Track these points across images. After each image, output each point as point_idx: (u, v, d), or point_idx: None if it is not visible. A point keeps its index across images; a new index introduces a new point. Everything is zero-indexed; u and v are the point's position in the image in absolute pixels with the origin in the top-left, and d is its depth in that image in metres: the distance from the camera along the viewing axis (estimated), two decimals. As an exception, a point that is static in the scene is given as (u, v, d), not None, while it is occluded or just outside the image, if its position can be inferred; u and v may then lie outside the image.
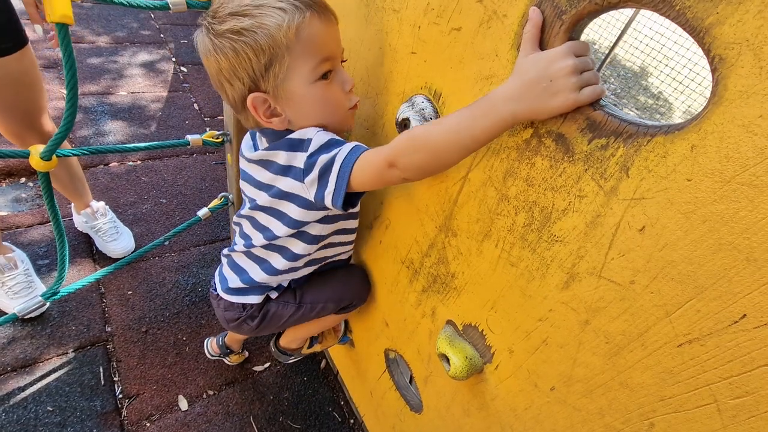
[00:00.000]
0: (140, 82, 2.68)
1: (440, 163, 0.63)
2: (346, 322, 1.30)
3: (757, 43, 0.36)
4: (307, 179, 0.71)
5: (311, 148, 0.70)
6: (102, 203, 1.73)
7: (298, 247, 0.86)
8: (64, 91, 0.88)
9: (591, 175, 0.52)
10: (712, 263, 0.43)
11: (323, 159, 0.69)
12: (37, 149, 0.96)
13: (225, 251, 0.98)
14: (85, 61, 2.70)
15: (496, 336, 0.72)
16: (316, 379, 1.60)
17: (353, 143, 0.70)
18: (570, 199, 0.55)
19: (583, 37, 0.53)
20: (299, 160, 0.72)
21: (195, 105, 2.67)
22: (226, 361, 1.54)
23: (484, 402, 0.79)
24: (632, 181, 0.48)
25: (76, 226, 1.79)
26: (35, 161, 0.97)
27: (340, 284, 1.03)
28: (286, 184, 0.76)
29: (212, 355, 1.52)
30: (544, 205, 0.58)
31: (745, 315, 0.41)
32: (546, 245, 0.59)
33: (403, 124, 0.75)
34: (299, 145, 0.73)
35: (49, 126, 1.36)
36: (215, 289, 0.99)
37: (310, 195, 0.73)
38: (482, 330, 0.75)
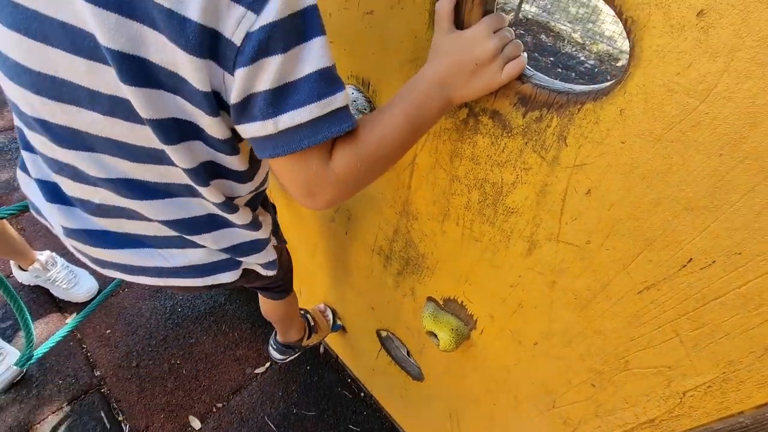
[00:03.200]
0: None
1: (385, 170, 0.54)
2: (334, 312, 1.32)
3: (665, 2, 0.35)
4: None
5: None
6: (48, 252, 1.58)
7: None
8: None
9: (532, 147, 0.52)
10: (656, 216, 0.45)
11: None
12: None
13: None
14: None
15: (475, 305, 0.75)
16: (319, 365, 1.64)
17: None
18: (517, 173, 0.55)
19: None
20: None
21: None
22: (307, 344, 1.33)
23: (476, 364, 0.83)
24: (571, 149, 0.48)
25: (22, 282, 1.62)
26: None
27: None
28: None
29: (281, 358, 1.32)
30: (493, 181, 0.58)
31: (691, 259, 0.44)
32: (503, 218, 0.60)
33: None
34: None
35: None
36: None
37: None
38: (461, 301, 0.77)
